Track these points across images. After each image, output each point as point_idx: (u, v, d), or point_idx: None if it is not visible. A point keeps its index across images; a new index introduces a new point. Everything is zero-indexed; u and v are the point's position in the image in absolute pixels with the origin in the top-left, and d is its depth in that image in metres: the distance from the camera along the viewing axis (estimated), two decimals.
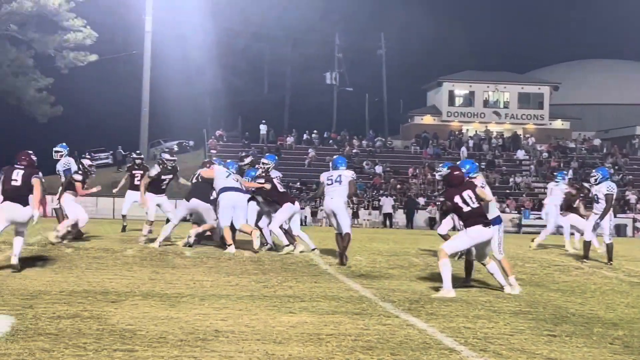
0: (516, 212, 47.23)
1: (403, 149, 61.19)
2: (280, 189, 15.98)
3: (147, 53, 52.46)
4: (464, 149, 58.03)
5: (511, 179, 54.52)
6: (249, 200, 15.86)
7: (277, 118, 75.27)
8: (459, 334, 7.36)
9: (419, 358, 6.26)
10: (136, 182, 19.56)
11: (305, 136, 60.15)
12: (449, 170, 10.97)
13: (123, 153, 57.86)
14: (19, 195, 11.01)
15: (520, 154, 58.83)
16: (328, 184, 14.16)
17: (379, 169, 53.87)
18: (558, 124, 67.80)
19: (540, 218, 44.84)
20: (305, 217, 44.32)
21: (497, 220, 11.04)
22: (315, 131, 61.12)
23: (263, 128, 60.32)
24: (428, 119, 67.14)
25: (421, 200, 48.25)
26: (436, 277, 11.47)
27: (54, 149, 18.19)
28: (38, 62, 53.61)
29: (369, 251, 17.48)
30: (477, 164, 12.26)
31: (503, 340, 7.15)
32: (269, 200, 15.90)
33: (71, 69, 53.62)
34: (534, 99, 67.64)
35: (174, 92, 64.04)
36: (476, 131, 63.62)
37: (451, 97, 67.24)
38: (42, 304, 7.96)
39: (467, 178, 11.00)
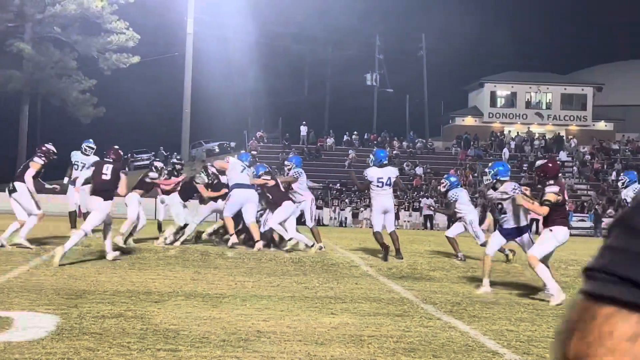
0: None
1: (444, 150, 60.88)
2: (282, 188, 16.17)
3: (188, 54, 52.92)
4: (505, 150, 57.59)
5: None
6: None
7: (317, 119, 75.51)
8: (501, 336, 7.30)
9: None
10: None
11: (345, 137, 60.13)
12: (544, 162, 10.81)
13: (165, 154, 58.39)
14: (106, 190, 11.59)
15: (563, 155, 58.24)
16: (379, 186, 14.47)
17: (419, 170, 53.71)
18: (601, 125, 67.02)
19: (583, 220, 44.43)
20: (346, 218, 44.32)
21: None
22: (355, 132, 61.11)
23: (303, 129, 60.44)
24: (469, 120, 66.74)
25: None
26: (477, 279, 11.39)
27: (87, 144, 18.39)
28: (81, 64, 54.34)
29: (409, 252, 17.43)
30: (509, 167, 12.07)
31: (546, 343, 7.08)
32: (268, 199, 16.10)
33: (114, 71, 54.30)
34: (577, 100, 66.93)
35: (215, 93, 64.51)
36: (518, 132, 63.11)
37: (493, 98, 66.79)
38: (86, 304, 8.05)
39: (495, 180, 10.90)
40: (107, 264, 12.11)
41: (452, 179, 18.14)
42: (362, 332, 7.11)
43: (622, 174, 16.62)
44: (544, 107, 66.81)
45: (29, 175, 13.72)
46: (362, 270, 12.91)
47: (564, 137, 62.73)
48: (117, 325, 6.89)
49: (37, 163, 13.97)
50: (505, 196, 10.84)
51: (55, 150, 14.52)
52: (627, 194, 15.56)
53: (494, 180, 11.06)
